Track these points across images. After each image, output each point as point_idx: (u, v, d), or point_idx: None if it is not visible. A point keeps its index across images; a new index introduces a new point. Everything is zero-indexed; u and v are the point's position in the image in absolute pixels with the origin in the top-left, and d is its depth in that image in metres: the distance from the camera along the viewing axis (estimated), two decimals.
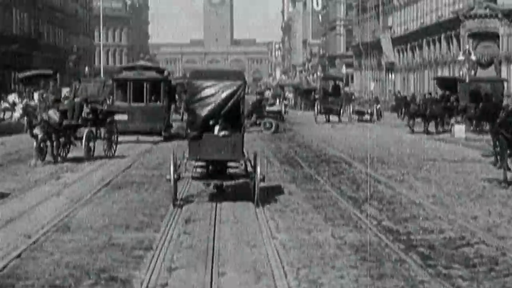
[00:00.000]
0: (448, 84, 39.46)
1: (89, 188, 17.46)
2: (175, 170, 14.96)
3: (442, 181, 19.10)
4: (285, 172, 21.11)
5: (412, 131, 38.18)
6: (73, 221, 13.42)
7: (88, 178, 19.52)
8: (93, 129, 23.92)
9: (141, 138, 31.09)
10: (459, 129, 35.95)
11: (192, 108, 15.28)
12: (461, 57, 48.09)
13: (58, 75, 27.42)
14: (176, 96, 38.79)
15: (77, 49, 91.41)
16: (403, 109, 45.52)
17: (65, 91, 48.89)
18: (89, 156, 23.07)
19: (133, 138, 30.76)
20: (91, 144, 23.43)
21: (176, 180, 15.01)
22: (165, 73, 36.21)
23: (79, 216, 13.94)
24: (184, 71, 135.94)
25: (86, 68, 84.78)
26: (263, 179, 14.93)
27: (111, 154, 24.48)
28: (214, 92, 15.08)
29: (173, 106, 37.20)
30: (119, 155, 24.81)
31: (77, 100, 24.94)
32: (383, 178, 19.68)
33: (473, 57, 47.39)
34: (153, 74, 33.21)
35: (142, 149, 28.09)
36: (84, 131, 23.24)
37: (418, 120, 38.59)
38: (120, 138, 27.91)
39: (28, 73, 31.40)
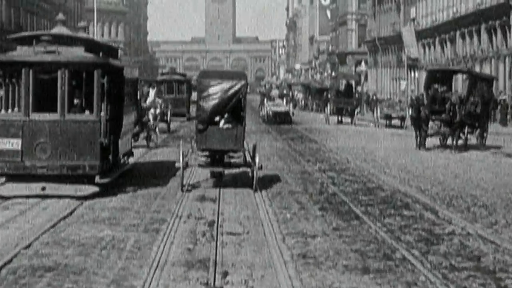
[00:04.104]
0: (444, 78, 29.35)
1: None
2: (183, 159, 16.65)
3: None
4: (335, 232, 11.90)
5: (418, 145, 27.53)
6: None
7: None
8: None
9: (52, 188, 15.17)
10: None
11: (200, 104, 17.12)
12: None
13: None
14: (159, 100, 27.63)
15: None
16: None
17: None
18: None
19: (34, 188, 15.14)
20: None
21: (184, 168, 16.75)
22: (120, 54, 20.64)
23: None
24: (183, 68, 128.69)
25: None
26: (261, 168, 16.76)
27: None
28: (220, 90, 16.98)
29: (137, 116, 22.45)
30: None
31: None
32: None
33: None
34: (78, 53, 15.78)
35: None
36: None
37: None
38: (6, 190, 15.22)
39: None
